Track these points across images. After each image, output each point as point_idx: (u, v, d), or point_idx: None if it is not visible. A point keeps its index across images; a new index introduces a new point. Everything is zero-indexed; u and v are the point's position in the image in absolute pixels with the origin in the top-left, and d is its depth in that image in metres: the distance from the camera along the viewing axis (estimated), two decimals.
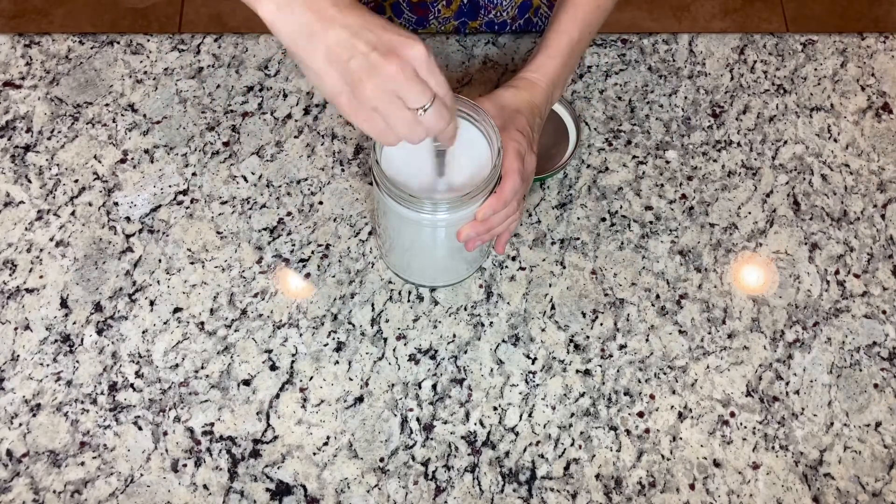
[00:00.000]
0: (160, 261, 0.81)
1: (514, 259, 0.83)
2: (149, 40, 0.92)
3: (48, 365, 0.76)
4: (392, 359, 0.78)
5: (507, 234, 0.73)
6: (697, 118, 0.91)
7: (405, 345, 0.79)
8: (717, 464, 0.75)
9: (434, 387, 0.77)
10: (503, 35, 0.94)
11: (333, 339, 0.79)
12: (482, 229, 0.69)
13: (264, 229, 0.83)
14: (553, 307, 0.81)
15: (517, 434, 0.75)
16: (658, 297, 0.82)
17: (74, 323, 0.78)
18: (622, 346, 0.79)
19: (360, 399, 0.76)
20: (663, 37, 0.95)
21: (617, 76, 0.93)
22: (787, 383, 0.78)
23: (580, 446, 0.75)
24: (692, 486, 0.74)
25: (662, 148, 0.89)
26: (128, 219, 0.83)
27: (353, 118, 0.58)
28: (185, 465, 0.73)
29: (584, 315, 0.80)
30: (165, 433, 0.74)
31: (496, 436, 0.75)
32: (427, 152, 0.68)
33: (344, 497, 0.73)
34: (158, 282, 0.80)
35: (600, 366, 0.78)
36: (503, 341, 0.79)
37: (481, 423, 0.76)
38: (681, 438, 0.76)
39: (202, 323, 0.79)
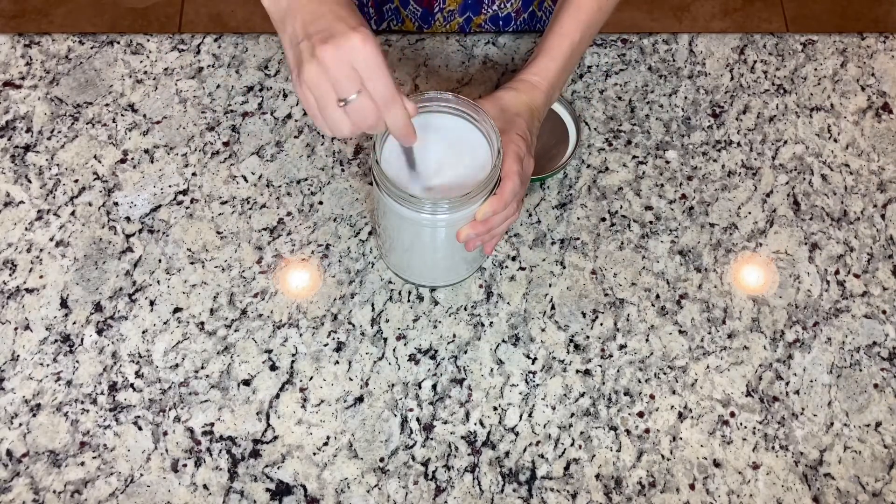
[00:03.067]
0: (160, 261, 0.81)
1: (514, 259, 0.83)
2: (149, 40, 0.92)
3: (48, 365, 0.76)
4: (392, 359, 0.78)
5: (499, 236, 0.74)
6: (697, 118, 0.91)
7: (405, 345, 0.79)
8: (717, 464, 0.75)
9: (434, 387, 0.77)
10: (503, 35, 0.95)
11: (333, 339, 0.79)
12: (482, 229, 0.69)
13: (264, 229, 0.83)
14: (553, 307, 0.81)
15: (517, 434, 0.75)
16: (658, 297, 0.82)
17: (74, 323, 0.78)
18: (622, 346, 0.79)
19: (360, 399, 0.76)
20: (663, 37, 0.95)
21: (617, 76, 0.93)
22: (787, 383, 0.78)
23: (580, 446, 0.75)
24: (692, 486, 0.74)
25: (662, 148, 0.89)
26: (128, 219, 0.83)
27: (298, 95, 0.62)
28: (185, 465, 0.73)
29: (584, 315, 0.80)
30: (165, 433, 0.74)
31: (496, 436, 0.75)
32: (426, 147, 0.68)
33: (344, 497, 0.73)
34: (158, 282, 0.80)
35: (600, 366, 0.78)
36: (503, 341, 0.79)
37: (481, 423, 0.76)
38: (681, 438, 0.76)
39: (202, 323, 0.79)
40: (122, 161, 0.86)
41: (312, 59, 0.59)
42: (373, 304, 0.80)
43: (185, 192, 0.85)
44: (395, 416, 0.76)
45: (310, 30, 0.60)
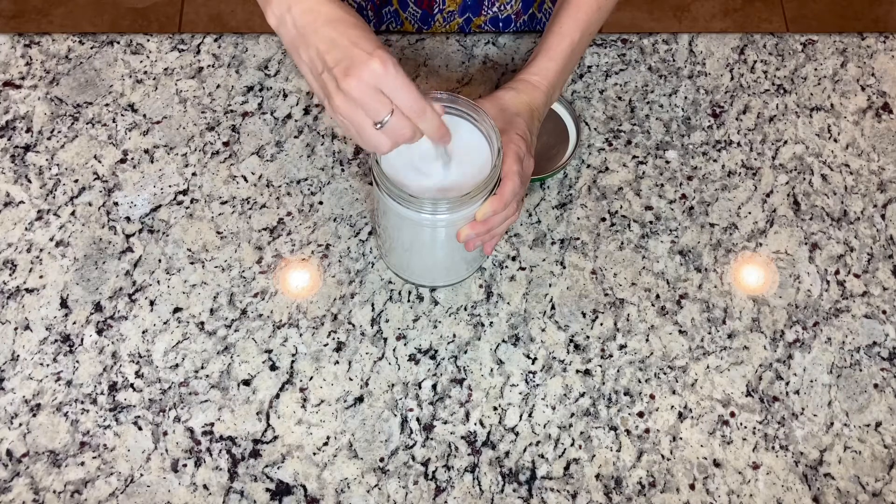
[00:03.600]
0: (160, 261, 0.81)
1: (514, 259, 0.83)
2: (149, 40, 0.92)
3: (48, 365, 0.76)
4: (392, 359, 0.78)
5: (498, 236, 0.74)
6: (697, 118, 0.91)
7: (405, 345, 0.79)
8: (717, 464, 0.75)
9: (434, 387, 0.77)
10: (504, 35, 0.95)
11: (333, 339, 0.79)
12: (482, 229, 0.69)
13: (264, 229, 0.83)
14: (553, 307, 0.81)
15: (517, 434, 0.75)
16: (658, 297, 0.82)
17: (74, 323, 0.78)
18: (622, 346, 0.79)
19: (360, 399, 0.76)
20: (663, 37, 0.95)
21: (617, 76, 0.93)
22: (787, 383, 0.78)
23: (580, 446, 0.75)
24: (692, 486, 0.74)
25: (662, 148, 0.89)
26: (128, 219, 0.83)
27: (335, 121, 0.65)
28: (185, 465, 0.73)
29: (584, 315, 0.80)
30: (165, 433, 0.74)
31: (496, 436, 0.75)
32: (427, 146, 0.68)
33: (344, 497, 0.73)
34: (158, 282, 0.80)
35: (600, 366, 0.78)
36: (503, 341, 0.79)
37: (481, 423, 0.76)
38: (681, 438, 0.76)
39: (202, 323, 0.79)
40: (122, 161, 0.86)
41: (339, 91, 0.60)
42: (373, 304, 0.80)
43: (185, 192, 0.85)
44: (395, 416, 0.76)
45: (328, 60, 0.61)
